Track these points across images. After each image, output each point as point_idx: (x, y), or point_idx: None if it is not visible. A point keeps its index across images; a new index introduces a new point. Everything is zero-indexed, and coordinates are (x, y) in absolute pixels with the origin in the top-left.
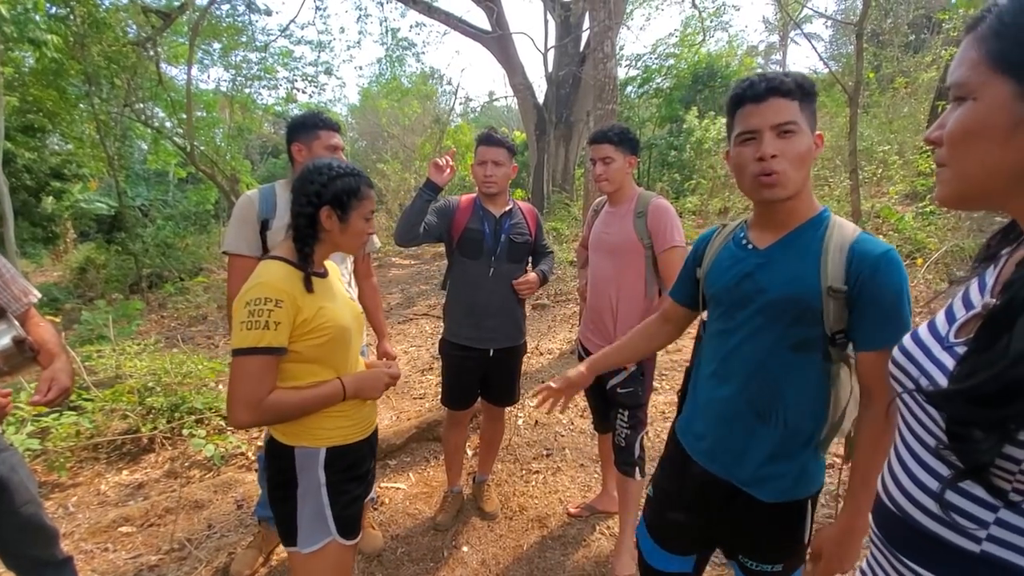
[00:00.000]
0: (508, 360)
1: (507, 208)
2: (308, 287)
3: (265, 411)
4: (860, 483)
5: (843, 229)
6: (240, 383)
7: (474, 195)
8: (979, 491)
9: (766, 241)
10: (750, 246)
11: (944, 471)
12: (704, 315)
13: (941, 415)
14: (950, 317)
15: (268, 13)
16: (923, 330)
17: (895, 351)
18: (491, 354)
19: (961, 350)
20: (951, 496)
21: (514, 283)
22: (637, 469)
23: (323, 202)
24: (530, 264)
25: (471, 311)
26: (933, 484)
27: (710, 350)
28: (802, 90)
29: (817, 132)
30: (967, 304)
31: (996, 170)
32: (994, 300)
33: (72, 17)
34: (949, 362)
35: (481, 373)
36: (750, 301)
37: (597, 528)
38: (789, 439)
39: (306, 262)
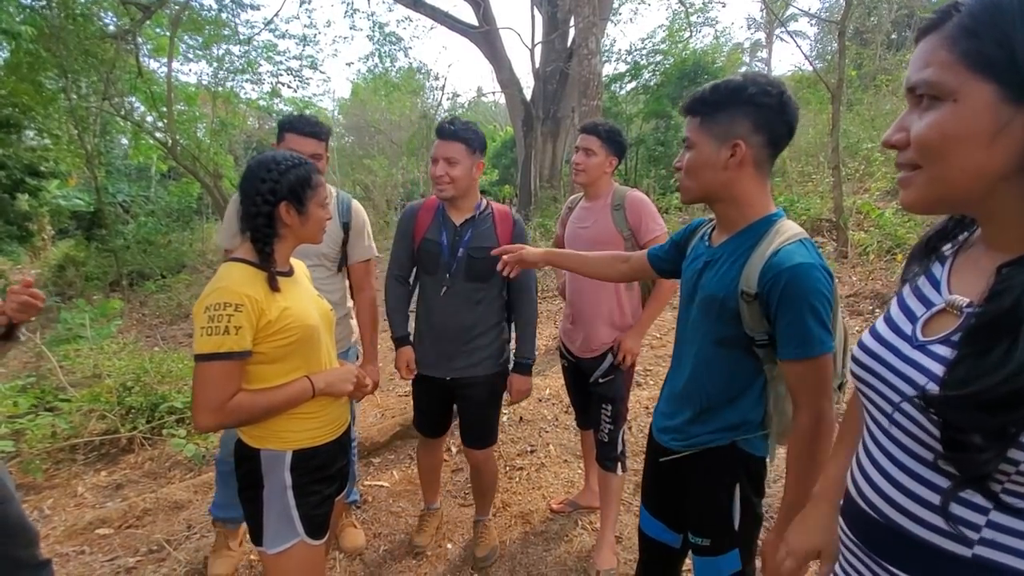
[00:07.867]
0: (472, 392)
1: (470, 215)
2: (273, 286)
3: (229, 414)
4: (791, 490)
5: (779, 236)
6: (203, 388)
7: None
8: (972, 496)
9: (719, 240)
10: (708, 243)
11: (933, 478)
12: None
13: (935, 421)
14: (908, 314)
15: (256, 8)
16: (882, 327)
17: (856, 349)
18: (448, 380)
19: (939, 349)
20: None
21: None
22: (619, 464)
23: (279, 198)
24: (508, 292)
25: (427, 333)
26: (924, 493)
27: (676, 336)
28: (703, 105)
29: (740, 140)
30: (922, 299)
31: (978, 174)
32: (965, 300)
33: (48, 8)
34: (927, 362)
35: (448, 402)
36: (695, 295)
37: (579, 523)
38: (713, 421)
39: (268, 262)
